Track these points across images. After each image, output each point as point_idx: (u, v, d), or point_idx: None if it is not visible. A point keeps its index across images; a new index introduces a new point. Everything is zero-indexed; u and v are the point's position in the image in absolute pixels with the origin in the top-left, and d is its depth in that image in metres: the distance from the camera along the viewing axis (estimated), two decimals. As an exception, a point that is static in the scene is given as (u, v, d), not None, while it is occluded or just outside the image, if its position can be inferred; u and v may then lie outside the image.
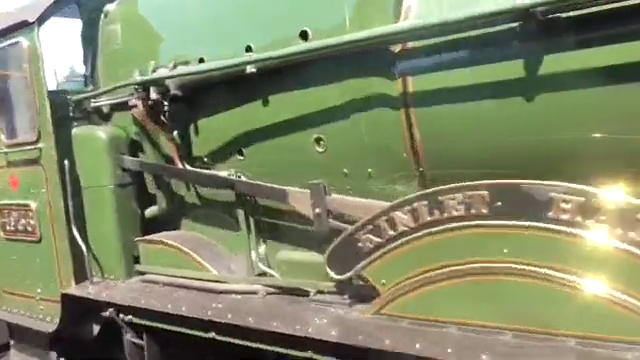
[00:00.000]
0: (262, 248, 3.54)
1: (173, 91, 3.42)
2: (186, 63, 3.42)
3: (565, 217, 2.13)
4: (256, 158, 3.35)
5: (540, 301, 2.23)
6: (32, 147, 4.18)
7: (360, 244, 2.72)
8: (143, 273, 3.98)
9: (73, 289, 4.09)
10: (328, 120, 2.95)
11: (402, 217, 2.56)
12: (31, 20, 3.94)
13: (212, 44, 3.37)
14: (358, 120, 2.82)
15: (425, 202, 2.49)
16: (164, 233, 4.00)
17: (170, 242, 3.78)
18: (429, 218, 2.49)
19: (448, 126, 2.57)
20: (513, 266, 2.28)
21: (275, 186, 3.16)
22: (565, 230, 2.13)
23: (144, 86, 3.50)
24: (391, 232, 2.61)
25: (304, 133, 3.06)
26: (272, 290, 3.27)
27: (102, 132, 3.99)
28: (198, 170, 3.58)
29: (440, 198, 2.44)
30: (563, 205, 2.13)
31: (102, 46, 4.18)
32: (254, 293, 3.29)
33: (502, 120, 2.42)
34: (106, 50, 4.15)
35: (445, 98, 2.52)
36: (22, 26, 4.04)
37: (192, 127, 3.61)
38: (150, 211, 4.09)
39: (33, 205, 4.33)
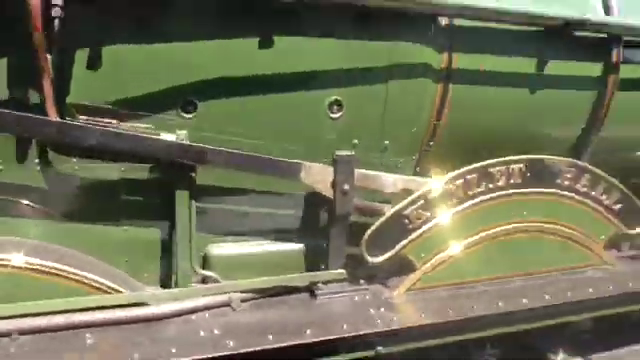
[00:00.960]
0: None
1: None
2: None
3: (567, 183, 2.91)
4: (220, 116, 2.35)
5: (538, 249, 2.91)
6: None
7: (407, 220, 2.57)
8: None
9: None
10: (351, 82, 2.52)
11: (454, 189, 2.64)
12: None
13: None
14: (390, 87, 2.58)
15: (475, 174, 2.68)
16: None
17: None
18: (478, 189, 2.70)
19: (476, 107, 2.81)
20: (527, 224, 2.86)
21: (281, 159, 2.37)
22: (566, 194, 2.91)
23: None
24: (442, 205, 2.63)
25: (317, 93, 2.47)
26: (245, 297, 2.42)
27: None
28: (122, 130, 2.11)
29: (491, 170, 2.71)
30: (567, 175, 2.90)
31: None
32: (225, 305, 2.35)
33: (517, 109, 2.91)
34: None
35: (482, 81, 2.76)
36: None
37: (90, 52, 2.09)
38: None
39: None
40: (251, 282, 2.44)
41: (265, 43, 2.32)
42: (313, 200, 2.64)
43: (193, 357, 2.03)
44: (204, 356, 2.05)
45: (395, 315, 2.46)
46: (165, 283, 2.49)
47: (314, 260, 2.65)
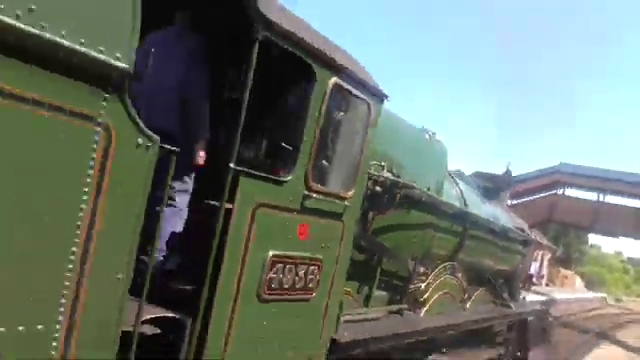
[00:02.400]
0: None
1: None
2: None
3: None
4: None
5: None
6: (339, 201, 3.97)
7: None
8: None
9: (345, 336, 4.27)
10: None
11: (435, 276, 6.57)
12: (386, 96, 4.26)
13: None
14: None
15: (444, 268, 6.67)
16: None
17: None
18: (441, 276, 6.67)
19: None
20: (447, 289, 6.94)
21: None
22: (455, 277, 7.12)
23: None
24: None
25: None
26: (387, 313, 5.78)
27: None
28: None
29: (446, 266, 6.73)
30: (457, 271, 7.13)
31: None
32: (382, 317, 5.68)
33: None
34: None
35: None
36: (376, 92, 4.15)
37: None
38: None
39: (324, 259, 3.87)
40: (379, 309, 5.84)
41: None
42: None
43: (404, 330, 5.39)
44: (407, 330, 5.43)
45: (430, 322, 6.17)
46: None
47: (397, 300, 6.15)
